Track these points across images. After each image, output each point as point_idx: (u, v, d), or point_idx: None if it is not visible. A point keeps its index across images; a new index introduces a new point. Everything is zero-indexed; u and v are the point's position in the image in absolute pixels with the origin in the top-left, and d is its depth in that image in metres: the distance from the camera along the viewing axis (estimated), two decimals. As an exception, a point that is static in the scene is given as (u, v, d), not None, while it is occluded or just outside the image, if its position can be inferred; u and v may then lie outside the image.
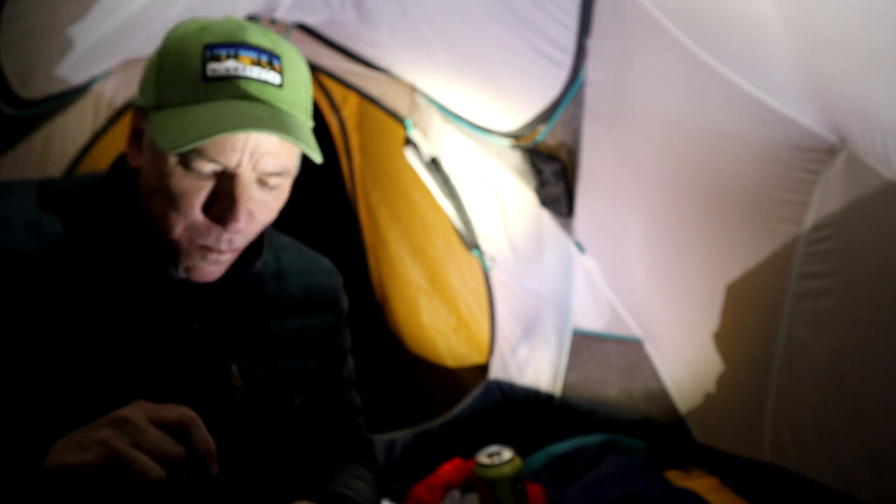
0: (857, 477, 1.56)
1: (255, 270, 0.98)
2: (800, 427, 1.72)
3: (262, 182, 0.88)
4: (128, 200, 0.92)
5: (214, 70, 0.84)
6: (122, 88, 1.89)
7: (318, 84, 2.89)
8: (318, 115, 3.01)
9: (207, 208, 0.86)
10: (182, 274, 0.91)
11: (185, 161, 0.83)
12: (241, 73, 0.84)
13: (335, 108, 3.04)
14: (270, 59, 0.87)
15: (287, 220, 1.10)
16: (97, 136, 1.93)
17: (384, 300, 3.30)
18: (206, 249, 0.88)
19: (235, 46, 0.85)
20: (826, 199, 1.56)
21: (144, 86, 0.89)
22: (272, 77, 0.86)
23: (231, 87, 0.84)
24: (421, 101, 2.33)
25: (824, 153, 1.52)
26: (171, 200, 0.85)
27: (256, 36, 0.87)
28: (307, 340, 1.08)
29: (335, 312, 1.14)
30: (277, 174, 0.88)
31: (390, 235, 3.07)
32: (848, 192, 1.49)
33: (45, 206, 0.89)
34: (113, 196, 0.93)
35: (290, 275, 1.08)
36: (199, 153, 0.83)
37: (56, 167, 1.82)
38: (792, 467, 1.74)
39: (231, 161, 0.84)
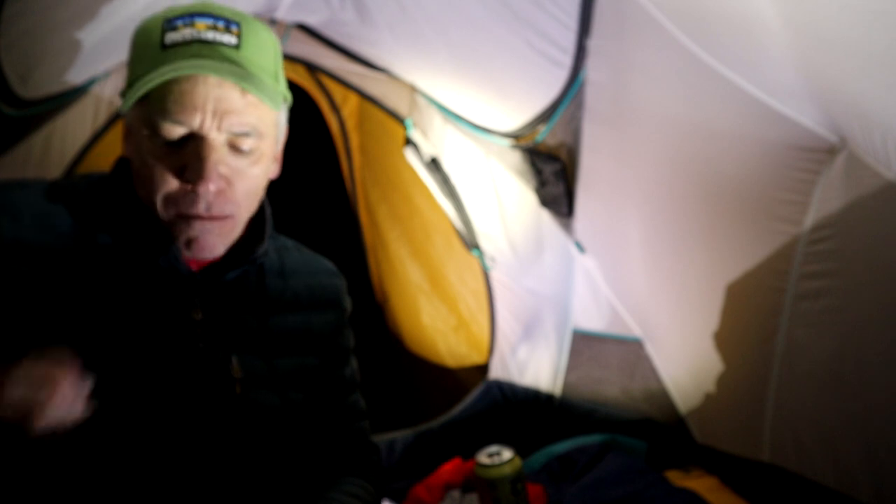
0: (857, 477, 1.56)
1: (257, 256, 0.99)
2: (800, 427, 1.72)
3: (234, 147, 0.89)
4: (129, 189, 0.94)
5: (172, 39, 0.88)
6: (121, 88, 1.89)
7: (318, 84, 2.89)
8: (318, 115, 3.01)
9: (181, 175, 0.87)
10: (185, 251, 0.91)
11: (154, 128, 0.86)
12: (195, 37, 0.88)
13: (335, 108, 3.04)
14: (228, 24, 0.90)
15: (287, 219, 1.10)
16: (97, 136, 1.93)
17: (384, 300, 3.30)
18: (189, 217, 0.88)
19: (192, 16, 0.89)
20: (826, 199, 1.55)
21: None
22: (228, 38, 0.89)
23: (187, 50, 0.87)
24: (421, 101, 2.33)
25: (824, 153, 1.52)
26: (149, 173, 0.87)
27: (216, 9, 0.91)
28: (308, 338, 1.08)
29: (337, 312, 1.15)
30: (246, 134, 0.89)
31: (390, 235, 3.07)
32: (848, 192, 1.49)
33: (53, 198, 0.92)
34: (115, 185, 0.96)
35: (293, 273, 1.08)
36: (163, 115, 0.85)
37: (56, 167, 1.82)
38: (792, 467, 1.74)
39: (194, 120, 0.86)
